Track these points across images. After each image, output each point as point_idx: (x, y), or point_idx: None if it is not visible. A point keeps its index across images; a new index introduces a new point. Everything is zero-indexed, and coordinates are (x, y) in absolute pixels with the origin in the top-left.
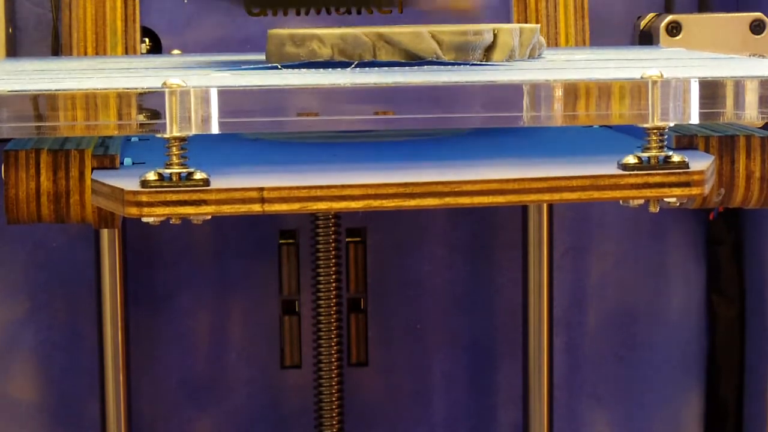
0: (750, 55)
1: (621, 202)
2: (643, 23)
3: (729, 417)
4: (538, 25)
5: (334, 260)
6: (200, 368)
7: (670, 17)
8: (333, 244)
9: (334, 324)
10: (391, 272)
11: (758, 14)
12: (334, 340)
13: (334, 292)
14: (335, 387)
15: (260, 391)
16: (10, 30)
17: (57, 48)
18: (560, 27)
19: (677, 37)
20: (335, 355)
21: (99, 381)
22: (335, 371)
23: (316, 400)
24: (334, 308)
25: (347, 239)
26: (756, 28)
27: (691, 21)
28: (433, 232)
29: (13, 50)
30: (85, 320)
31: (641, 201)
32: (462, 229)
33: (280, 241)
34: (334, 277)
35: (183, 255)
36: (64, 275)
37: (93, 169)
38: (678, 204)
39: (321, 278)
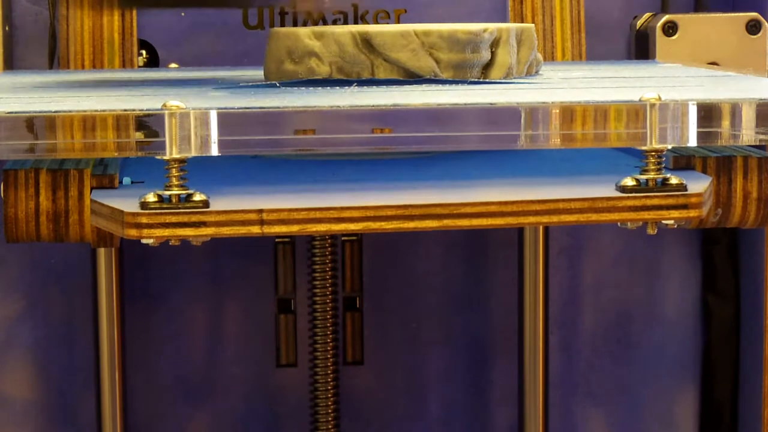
0: (747, 72)
1: (619, 224)
2: (639, 23)
3: (724, 416)
4: (533, 25)
5: (330, 259)
6: (195, 366)
7: (666, 17)
8: (329, 243)
9: (330, 322)
10: (387, 271)
11: (754, 14)
12: (330, 338)
13: (329, 291)
14: (331, 385)
15: (255, 390)
16: (7, 28)
17: (53, 47)
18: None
19: (673, 37)
20: (331, 354)
21: (94, 379)
22: (331, 370)
23: (312, 398)
24: (330, 307)
25: (343, 238)
26: (752, 28)
27: (687, 21)
28: (429, 230)
29: (9, 49)
30: (80, 318)
31: (639, 223)
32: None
33: (276, 240)
34: (330, 275)
35: (179, 253)
36: (60, 273)
37: (92, 188)
38: (675, 225)
39: (317, 277)
